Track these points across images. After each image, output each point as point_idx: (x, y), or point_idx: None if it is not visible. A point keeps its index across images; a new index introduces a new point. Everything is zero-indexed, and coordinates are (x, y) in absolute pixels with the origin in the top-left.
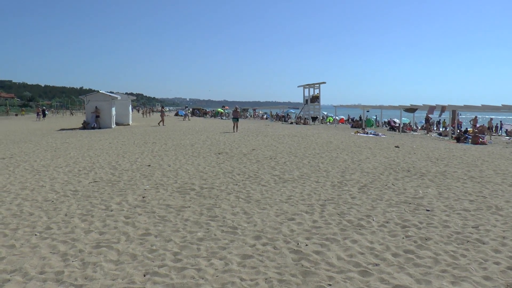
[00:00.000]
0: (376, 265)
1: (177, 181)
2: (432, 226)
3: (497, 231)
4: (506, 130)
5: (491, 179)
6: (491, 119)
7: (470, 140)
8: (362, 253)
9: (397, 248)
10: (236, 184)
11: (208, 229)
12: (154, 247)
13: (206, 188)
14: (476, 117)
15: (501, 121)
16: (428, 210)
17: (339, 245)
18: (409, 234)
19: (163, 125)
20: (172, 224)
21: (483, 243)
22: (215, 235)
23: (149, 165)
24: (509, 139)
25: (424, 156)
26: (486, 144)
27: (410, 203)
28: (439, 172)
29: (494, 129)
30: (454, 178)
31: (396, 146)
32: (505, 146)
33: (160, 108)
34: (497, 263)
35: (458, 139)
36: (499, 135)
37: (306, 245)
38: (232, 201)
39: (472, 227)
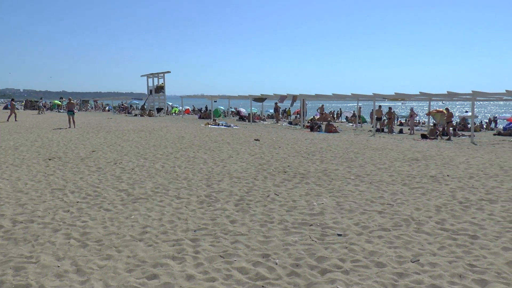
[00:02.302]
0: None
1: None
2: (360, 265)
3: (443, 264)
4: (346, 116)
5: (379, 177)
6: (360, 107)
7: (323, 129)
8: None
9: None
10: (68, 210)
11: None
12: None
13: (23, 221)
14: (322, 105)
15: (340, 109)
16: (340, 235)
17: None
18: (339, 287)
19: (15, 120)
20: None
21: None
22: None
23: None
24: (352, 125)
25: (292, 150)
26: (338, 132)
27: (311, 225)
28: (320, 171)
29: (336, 116)
30: (340, 179)
31: (256, 140)
32: (355, 134)
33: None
34: None
35: (311, 128)
36: (342, 122)
37: None
38: (60, 245)
39: (412, 262)
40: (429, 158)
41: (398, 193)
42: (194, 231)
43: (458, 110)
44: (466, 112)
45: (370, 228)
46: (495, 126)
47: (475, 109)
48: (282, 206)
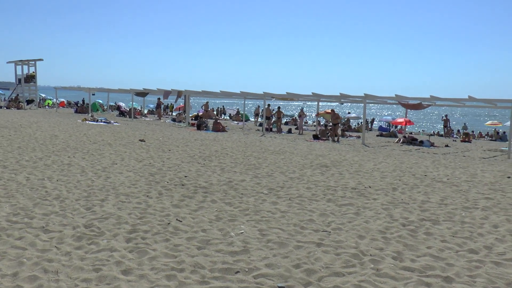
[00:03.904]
0: None
1: None
2: None
3: None
4: (230, 114)
5: (297, 191)
6: (259, 106)
7: (210, 127)
8: None
9: None
10: None
11: None
12: None
13: None
14: (207, 102)
15: (223, 106)
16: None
17: None
18: None
19: None
20: None
21: None
22: None
23: None
24: (237, 123)
25: (184, 154)
26: (226, 131)
27: (237, 271)
28: (224, 183)
29: (220, 114)
30: (252, 194)
31: (141, 140)
32: (244, 133)
33: None
34: None
35: (198, 127)
36: (226, 120)
37: None
38: None
39: None
40: (338, 164)
41: (327, 213)
42: None
43: (341, 112)
44: (349, 113)
45: (318, 273)
46: (371, 126)
47: (358, 111)
48: (190, 240)
